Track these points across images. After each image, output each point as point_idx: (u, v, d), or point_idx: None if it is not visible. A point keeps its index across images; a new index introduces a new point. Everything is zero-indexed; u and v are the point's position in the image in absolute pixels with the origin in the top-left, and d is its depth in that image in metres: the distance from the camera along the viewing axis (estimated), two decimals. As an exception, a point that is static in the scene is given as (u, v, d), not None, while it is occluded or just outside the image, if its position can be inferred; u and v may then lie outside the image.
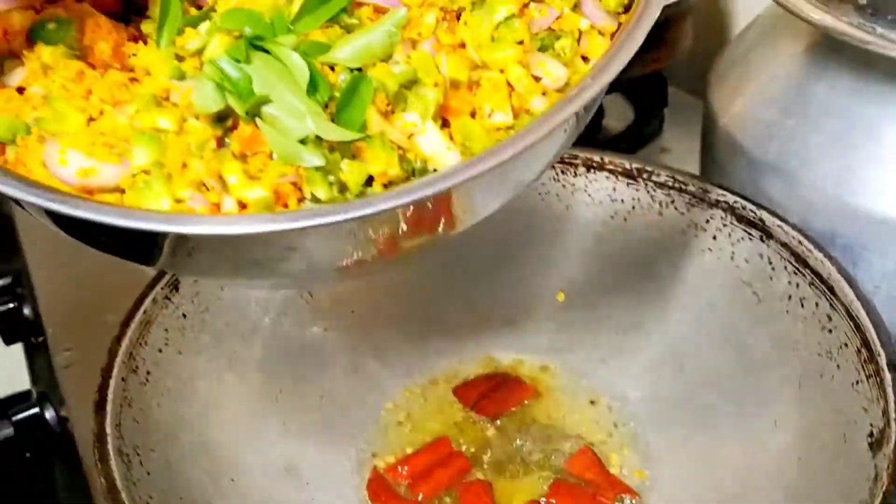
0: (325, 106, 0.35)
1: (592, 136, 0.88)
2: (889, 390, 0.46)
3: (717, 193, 0.61)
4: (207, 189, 0.34)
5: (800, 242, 0.56)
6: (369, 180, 0.35)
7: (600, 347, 0.64)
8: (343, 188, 0.34)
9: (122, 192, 0.34)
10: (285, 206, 0.34)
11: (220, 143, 0.36)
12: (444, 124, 0.37)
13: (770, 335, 0.57)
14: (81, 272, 0.78)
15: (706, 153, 0.69)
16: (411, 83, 0.37)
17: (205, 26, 0.37)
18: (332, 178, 0.34)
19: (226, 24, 0.36)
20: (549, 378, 0.64)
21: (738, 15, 0.95)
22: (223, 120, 0.36)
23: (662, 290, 0.63)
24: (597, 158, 0.65)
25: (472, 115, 0.38)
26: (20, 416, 0.68)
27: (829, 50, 0.56)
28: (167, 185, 0.34)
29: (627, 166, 0.65)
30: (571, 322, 0.66)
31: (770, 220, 0.58)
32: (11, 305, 0.82)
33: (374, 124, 0.35)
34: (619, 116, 0.96)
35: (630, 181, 0.65)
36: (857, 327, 0.51)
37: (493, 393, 0.63)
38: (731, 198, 0.60)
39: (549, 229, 0.67)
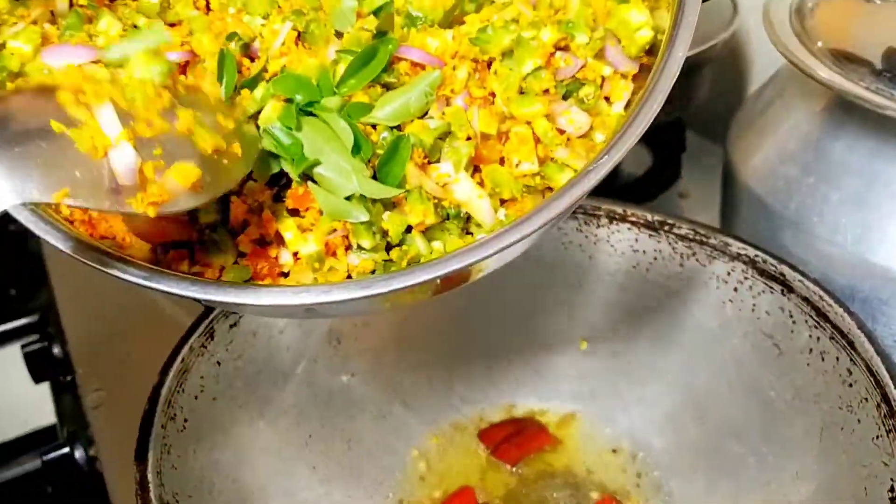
0: (368, 161, 0.38)
1: (611, 181, 0.90)
2: (910, 445, 0.47)
3: (737, 247, 0.62)
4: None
5: (820, 297, 0.57)
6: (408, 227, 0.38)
7: (623, 396, 0.66)
8: (384, 235, 0.38)
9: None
10: (334, 255, 0.38)
11: (277, 198, 0.39)
12: (475, 171, 0.40)
13: (792, 386, 0.58)
14: (109, 310, 0.80)
15: (726, 204, 0.70)
16: (445, 135, 0.39)
17: (259, 91, 0.39)
18: (374, 228, 0.38)
19: (278, 90, 0.39)
20: (572, 425, 0.66)
21: (756, 64, 0.97)
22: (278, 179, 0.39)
23: (684, 340, 0.65)
24: (619, 210, 0.67)
25: (501, 161, 0.40)
26: (50, 455, 0.69)
27: (848, 109, 0.57)
28: None
29: (650, 218, 0.66)
30: (594, 370, 0.67)
31: (790, 275, 0.59)
32: (40, 345, 0.84)
33: (413, 178, 0.38)
34: (638, 162, 0.98)
35: (652, 233, 0.66)
36: (878, 383, 0.52)
37: (515, 438, 0.65)
38: (751, 251, 0.62)
39: (572, 279, 0.69)
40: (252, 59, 0.41)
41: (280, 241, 0.39)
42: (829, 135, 0.58)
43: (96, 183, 0.31)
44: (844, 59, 0.55)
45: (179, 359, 0.55)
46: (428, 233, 0.39)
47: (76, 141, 0.31)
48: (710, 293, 0.64)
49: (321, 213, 0.38)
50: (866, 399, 0.52)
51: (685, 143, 1.00)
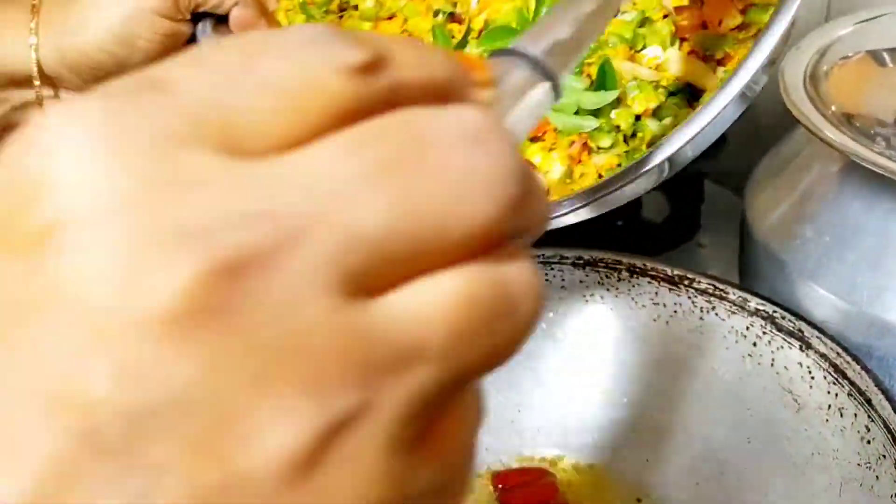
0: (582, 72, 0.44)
1: (631, 228, 0.92)
2: (928, 504, 0.48)
3: (756, 302, 0.64)
4: None
5: (838, 354, 0.58)
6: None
7: (642, 448, 0.67)
8: (618, 130, 0.44)
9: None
10: (579, 161, 0.44)
11: None
12: (682, 42, 0.45)
13: (811, 441, 0.59)
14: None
15: (744, 260, 0.72)
16: (644, 21, 0.43)
17: (470, 48, 0.44)
18: (607, 127, 0.44)
19: (485, 44, 0.43)
20: (591, 477, 0.67)
21: (773, 117, 0.99)
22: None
23: (703, 393, 0.66)
24: (640, 264, 0.69)
25: (704, 26, 0.45)
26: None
27: (863, 171, 0.59)
28: None
29: (669, 273, 0.68)
30: (614, 422, 0.68)
31: (809, 331, 0.60)
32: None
33: (626, 74, 0.44)
34: (657, 211, 1.00)
35: (672, 287, 0.68)
36: (895, 441, 0.53)
37: (523, 487, 0.66)
38: (770, 307, 0.63)
39: (592, 331, 0.70)
40: (460, 23, 0.45)
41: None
42: (845, 195, 0.60)
43: None
44: (858, 123, 0.57)
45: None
46: (658, 112, 0.44)
47: None
48: (730, 347, 0.65)
49: (557, 131, 0.42)
50: (884, 456, 0.53)
51: (703, 194, 1.02)
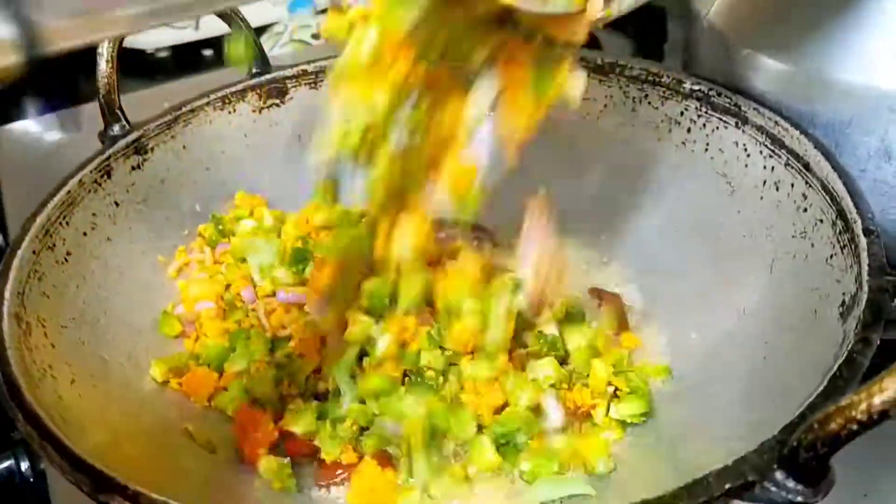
0: None
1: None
2: (863, 255, 0.42)
3: (691, 82, 0.57)
4: None
5: (776, 123, 0.51)
6: None
7: (579, 251, 0.60)
8: None
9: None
10: None
11: None
12: None
13: (744, 224, 0.52)
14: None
15: (688, 53, 0.64)
16: None
17: None
18: None
19: None
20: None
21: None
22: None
23: (635, 191, 0.59)
24: (567, 55, 0.61)
25: None
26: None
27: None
28: None
29: (599, 62, 0.61)
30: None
31: (745, 105, 0.53)
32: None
33: None
34: (620, 52, 0.92)
35: (602, 78, 0.61)
36: (833, 199, 0.46)
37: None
38: (705, 86, 0.56)
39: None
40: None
41: None
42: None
43: None
44: None
45: (65, 190, 0.50)
46: None
47: None
48: (662, 137, 0.58)
49: None
50: (821, 220, 0.47)
51: (666, 33, 0.94)
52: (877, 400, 0.28)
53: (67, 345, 0.45)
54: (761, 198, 0.52)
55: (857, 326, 0.38)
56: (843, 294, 0.42)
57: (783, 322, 0.46)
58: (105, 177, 0.53)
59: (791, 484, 0.31)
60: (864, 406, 0.29)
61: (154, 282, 0.54)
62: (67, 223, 0.50)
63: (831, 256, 0.45)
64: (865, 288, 0.40)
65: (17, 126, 0.85)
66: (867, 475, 0.47)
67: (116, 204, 0.53)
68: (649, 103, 0.59)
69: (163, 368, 0.49)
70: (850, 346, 0.37)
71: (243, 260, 0.56)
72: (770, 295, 0.48)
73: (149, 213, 0.55)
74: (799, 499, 0.31)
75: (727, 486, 0.32)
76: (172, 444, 0.45)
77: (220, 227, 0.57)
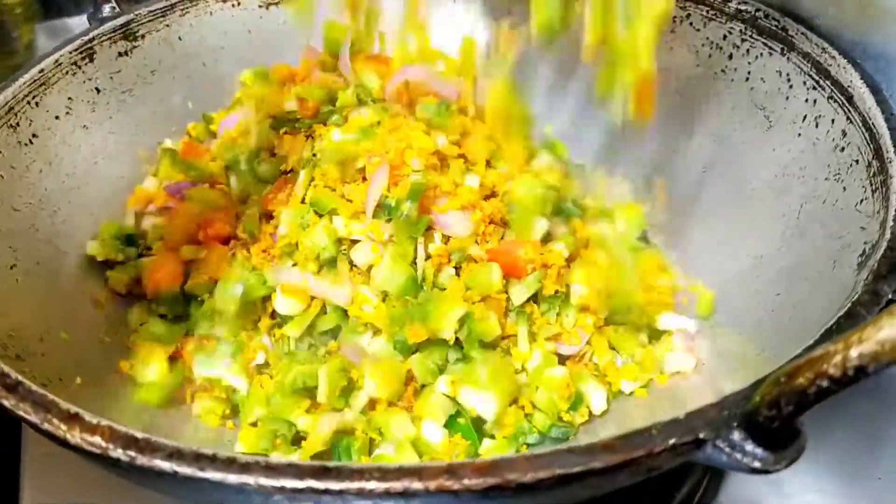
0: None
1: None
2: (893, 198, 0.36)
3: (738, 2, 0.50)
4: None
5: (823, 50, 0.45)
6: None
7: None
8: None
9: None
10: None
11: None
12: None
13: (776, 163, 0.46)
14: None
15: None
16: None
17: None
18: None
19: None
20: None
21: None
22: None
23: (666, 125, 0.53)
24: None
25: None
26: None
27: None
28: None
29: (639, -25, 0.54)
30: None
31: (793, 29, 0.47)
32: None
33: None
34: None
35: (641, -6, 0.54)
36: (872, 137, 0.40)
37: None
38: (752, 6, 0.49)
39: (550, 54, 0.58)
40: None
41: None
42: None
43: None
44: None
45: (38, 69, 0.47)
46: None
47: None
48: (702, 63, 0.52)
49: None
50: (857, 161, 0.41)
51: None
52: (853, 352, 0.23)
53: (16, 228, 0.42)
54: (799, 135, 0.45)
55: (868, 277, 0.32)
56: (865, 243, 0.36)
57: (799, 272, 0.40)
58: (87, 60, 0.50)
59: (749, 446, 0.26)
60: (838, 359, 0.23)
61: (131, 176, 0.51)
62: (37, 104, 0.47)
63: (861, 201, 0.39)
64: (888, 235, 0.34)
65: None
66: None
67: (98, 90, 0.50)
68: (691, 24, 0.52)
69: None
70: (855, 298, 0.32)
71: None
72: (792, 242, 0.42)
73: (133, 105, 0.52)
74: (756, 464, 0.26)
75: (671, 441, 0.27)
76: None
77: (211, 126, 0.54)
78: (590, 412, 0.42)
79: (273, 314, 0.43)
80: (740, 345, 0.41)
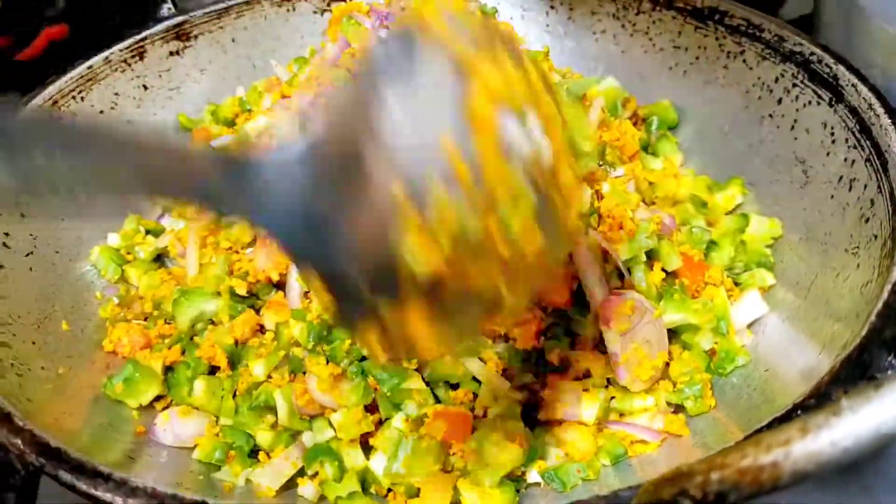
0: None
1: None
2: (888, 288, 0.33)
3: (793, 43, 0.47)
4: None
5: (869, 106, 0.41)
6: None
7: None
8: None
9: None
10: None
11: None
12: None
13: (804, 224, 0.43)
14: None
15: (816, 15, 0.53)
16: None
17: None
18: None
19: None
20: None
21: None
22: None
23: (703, 165, 0.51)
24: (666, -6, 0.53)
25: None
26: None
27: None
28: None
29: (699, 4, 0.51)
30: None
31: (844, 79, 0.43)
32: None
33: None
34: None
35: (699, 25, 0.52)
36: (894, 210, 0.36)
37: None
38: (807, 48, 0.46)
39: (595, 70, 0.56)
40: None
41: None
42: None
43: None
44: None
45: (86, 65, 0.50)
46: None
47: None
48: (750, 105, 0.49)
49: None
50: (875, 236, 0.38)
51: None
52: (714, 476, 0.21)
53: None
54: (832, 196, 0.42)
55: (831, 372, 0.30)
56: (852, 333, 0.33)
57: (790, 349, 0.37)
58: (137, 58, 0.52)
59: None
60: (699, 480, 0.22)
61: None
62: (82, 99, 0.49)
63: (866, 284, 0.36)
64: (864, 332, 0.31)
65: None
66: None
67: (145, 87, 0.53)
68: (744, 61, 0.49)
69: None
70: (800, 400, 0.29)
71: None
72: (795, 318, 0.39)
73: (180, 103, 0.54)
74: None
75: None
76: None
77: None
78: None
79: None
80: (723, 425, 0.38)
